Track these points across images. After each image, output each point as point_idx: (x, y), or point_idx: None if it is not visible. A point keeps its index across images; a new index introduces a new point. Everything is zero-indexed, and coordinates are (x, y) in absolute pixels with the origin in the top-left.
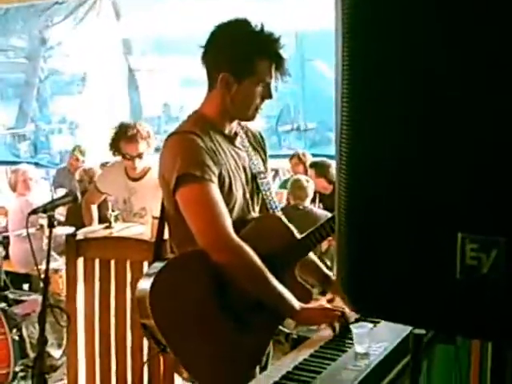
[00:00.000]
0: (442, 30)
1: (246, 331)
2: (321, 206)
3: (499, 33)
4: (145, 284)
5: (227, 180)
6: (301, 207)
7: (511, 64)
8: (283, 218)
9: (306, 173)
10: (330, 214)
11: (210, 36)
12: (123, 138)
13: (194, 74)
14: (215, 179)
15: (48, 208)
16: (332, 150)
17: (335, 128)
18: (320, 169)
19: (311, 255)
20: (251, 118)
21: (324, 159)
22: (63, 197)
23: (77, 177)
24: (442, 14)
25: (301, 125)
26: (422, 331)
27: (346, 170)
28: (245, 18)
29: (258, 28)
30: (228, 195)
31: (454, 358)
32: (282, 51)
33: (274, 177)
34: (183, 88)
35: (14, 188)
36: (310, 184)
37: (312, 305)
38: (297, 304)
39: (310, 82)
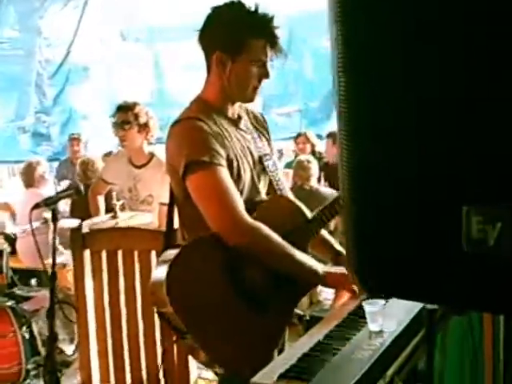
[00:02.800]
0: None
1: (263, 314)
2: (326, 184)
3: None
4: (160, 272)
5: (235, 163)
6: (307, 187)
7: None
8: (293, 198)
9: (313, 151)
10: (336, 192)
11: (205, 19)
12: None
13: (191, 60)
14: (224, 163)
15: (50, 202)
16: (334, 127)
17: (334, 97)
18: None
19: (322, 231)
20: (250, 99)
21: None
22: (65, 190)
23: (78, 170)
24: None
25: (302, 105)
26: (435, 306)
27: (347, 148)
28: (239, 1)
29: (252, 9)
30: (237, 178)
31: (467, 326)
32: (276, 30)
33: (279, 158)
34: (182, 74)
35: (27, 182)
36: (313, 164)
37: (335, 268)
38: (320, 269)
39: (309, 61)
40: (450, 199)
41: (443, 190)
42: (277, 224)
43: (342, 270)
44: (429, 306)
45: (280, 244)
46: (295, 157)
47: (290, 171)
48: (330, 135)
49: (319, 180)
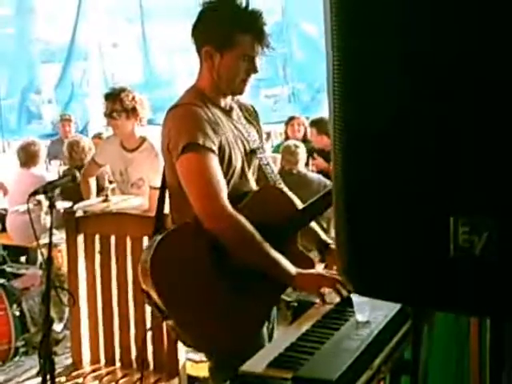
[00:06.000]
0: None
1: (246, 297)
2: (314, 169)
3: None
4: (146, 255)
5: (227, 150)
6: (294, 172)
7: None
8: (285, 189)
9: (305, 135)
10: (322, 177)
11: (198, 14)
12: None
13: (181, 41)
14: (215, 149)
15: (48, 189)
16: (322, 112)
17: (329, 108)
18: (320, 126)
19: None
20: (239, 92)
21: (324, 116)
22: (62, 177)
23: (65, 152)
24: None
25: (290, 88)
26: None
27: (341, 152)
28: None
29: (243, 5)
30: (227, 165)
31: (453, 318)
32: (264, 26)
33: (267, 140)
34: (171, 55)
35: (23, 162)
36: (301, 149)
37: (308, 271)
38: (293, 270)
39: (298, 45)
40: (438, 208)
41: (431, 199)
42: (266, 214)
43: (317, 271)
44: None
45: (254, 237)
46: (286, 139)
47: (278, 156)
48: (314, 123)
49: (307, 164)
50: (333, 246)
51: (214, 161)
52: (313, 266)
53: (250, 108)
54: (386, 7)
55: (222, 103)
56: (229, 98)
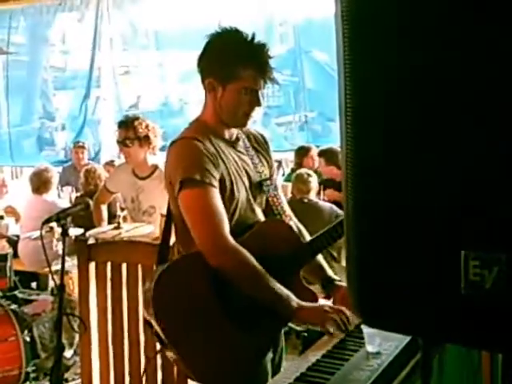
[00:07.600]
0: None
1: (249, 330)
2: (325, 198)
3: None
4: (149, 287)
5: (229, 183)
6: (306, 200)
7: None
8: (291, 222)
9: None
10: (334, 206)
11: (204, 45)
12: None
13: (195, 69)
14: (215, 183)
15: (61, 217)
16: (335, 141)
17: (340, 134)
18: (329, 156)
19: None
20: (241, 124)
21: (331, 146)
22: (75, 205)
23: (81, 178)
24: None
25: (302, 116)
26: None
27: (353, 188)
28: (236, 28)
29: (249, 38)
30: (230, 198)
31: (465, 354)
32: (269, 60)
33: (278, 168)
34: (182, 82)
35: (35, 188)
36: (313, 178)
37: (310, 304)
38: (294, 303)
39: (310, 73)
40: (450, 242)
41: (443, 234)
42: (270, 246)
43: (320, 304)
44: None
45: (256, 270)
46: (295, 169)
47: (289, 185)
48: (322, 153)
49: (319, 193)
50: (338, 283)
51: (213, 195)
52: (316, 300)
53: (259, 137)
54: (401, 37)
55: (227, 135)
56: (233, 128)
